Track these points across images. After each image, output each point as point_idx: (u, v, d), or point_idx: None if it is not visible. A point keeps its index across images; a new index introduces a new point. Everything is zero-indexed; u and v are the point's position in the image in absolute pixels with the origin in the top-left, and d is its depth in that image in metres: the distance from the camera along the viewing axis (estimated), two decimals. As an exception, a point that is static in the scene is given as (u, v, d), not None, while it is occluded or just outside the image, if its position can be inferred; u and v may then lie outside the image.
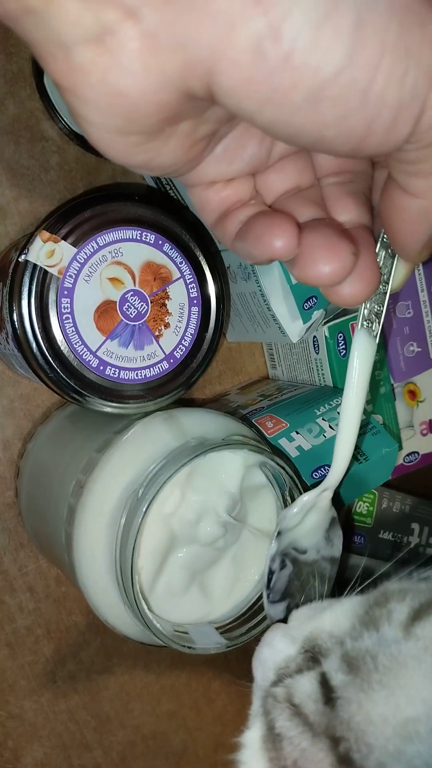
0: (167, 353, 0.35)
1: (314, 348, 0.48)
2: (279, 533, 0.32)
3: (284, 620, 0.28)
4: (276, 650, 0.26)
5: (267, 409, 0.45)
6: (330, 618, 0.25)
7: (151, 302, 0.35)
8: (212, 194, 0.26)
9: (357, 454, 0.42)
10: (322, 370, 0.47)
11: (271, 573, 0.32)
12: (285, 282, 0.42)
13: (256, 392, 0.49)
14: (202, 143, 0.23)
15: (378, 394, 0.50)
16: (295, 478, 0.35)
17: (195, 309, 0.36)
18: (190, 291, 0.36)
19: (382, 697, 0.21)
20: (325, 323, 0.46)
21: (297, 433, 0.42)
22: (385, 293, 0.28)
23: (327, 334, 0.46)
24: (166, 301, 0.35)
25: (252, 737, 0.23)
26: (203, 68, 0.19)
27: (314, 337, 0.47)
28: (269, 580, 0.32)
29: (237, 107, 0.20)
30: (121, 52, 0.19)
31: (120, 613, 0.34)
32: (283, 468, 0.34)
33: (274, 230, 0.23)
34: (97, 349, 0.34)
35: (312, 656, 0.24)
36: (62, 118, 0.41)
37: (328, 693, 0.22)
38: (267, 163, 0.26)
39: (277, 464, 0.34)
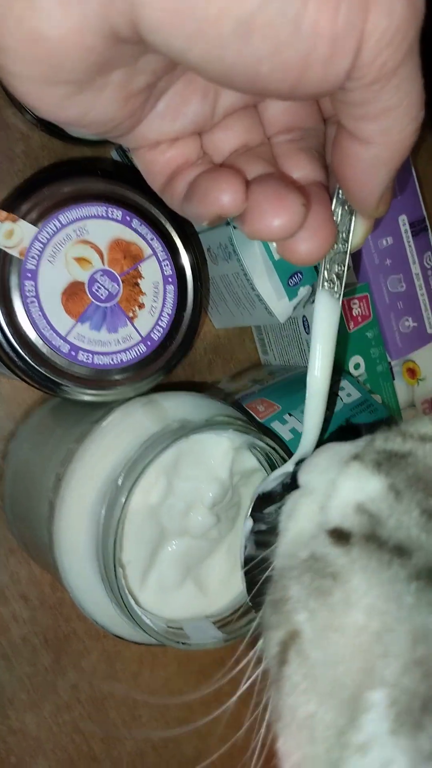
0: (144, 335, 0.34)
1: (304, 328, 0.46)
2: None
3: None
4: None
5: (258, 393, 0.43)
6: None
7: (123, 282, 0.33)
8: (157, 155, 0.25)
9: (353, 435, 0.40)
10: (314, 350, 0.45)
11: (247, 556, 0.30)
12: (267, 258, 0.40)
13: (247, 379, 0.47)
14: (140, 97, 0.22)
15: (375, 373, 0.48)
16: (287, 458, 0.33)
17: (170, 287, 0.34)
18: (164, 268, 0.34)
19: None
20: (314, 301, 0.44)
21: (290, 415, 0.40)
22: (346, 252, 0.26)
23: (316, 312, 0.44)
24: (139, 280, 0.33)
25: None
26: (125, 2, 0.17)
27: (303, 316, 0.45)
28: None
29: (165, 46, 0.18)
30: None
31: (109, 612, 0.32)
32: (273, 448, 0.32)
33: (220, 185, 0.22)
34: (67, 334, 0.32)
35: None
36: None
37: None
38: (212, 121, 0.25)
39: (267, 444, 0.32)
